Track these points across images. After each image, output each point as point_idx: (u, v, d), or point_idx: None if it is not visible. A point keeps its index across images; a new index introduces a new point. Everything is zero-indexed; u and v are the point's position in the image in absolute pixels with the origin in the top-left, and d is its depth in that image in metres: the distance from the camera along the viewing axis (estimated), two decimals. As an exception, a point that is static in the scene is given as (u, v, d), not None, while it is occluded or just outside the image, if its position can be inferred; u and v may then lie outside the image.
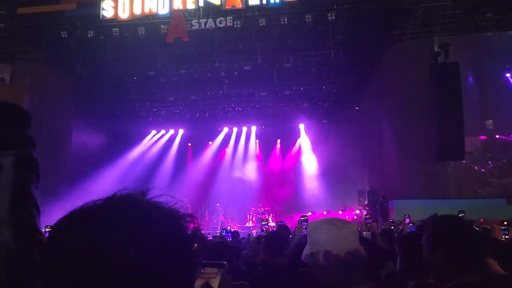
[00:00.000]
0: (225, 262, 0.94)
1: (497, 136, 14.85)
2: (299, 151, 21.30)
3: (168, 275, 0.63)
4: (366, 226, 4.82)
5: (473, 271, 1.65)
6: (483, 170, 14.85)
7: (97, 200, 0.67)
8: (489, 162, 14.98)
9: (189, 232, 0.68)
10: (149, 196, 0.68)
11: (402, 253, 2.36)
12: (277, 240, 3.06)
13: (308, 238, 1.76)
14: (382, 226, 8.21)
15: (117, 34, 14.06)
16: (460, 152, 13.15)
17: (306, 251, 1.73)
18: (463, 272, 1.65)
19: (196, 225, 0.69)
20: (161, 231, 0.64)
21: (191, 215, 0.69)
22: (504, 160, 14.92)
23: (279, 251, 2.96)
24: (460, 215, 6.34)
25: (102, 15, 13.71)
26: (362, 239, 3.02)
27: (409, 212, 7.50)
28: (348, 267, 1.59)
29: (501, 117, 14.39)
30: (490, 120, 14.67)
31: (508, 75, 14.26)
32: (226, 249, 2.60)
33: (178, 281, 0.65)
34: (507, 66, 14.20)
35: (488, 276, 1.64)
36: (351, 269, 1.59)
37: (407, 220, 6.66)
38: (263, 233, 6.28)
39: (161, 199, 0.68)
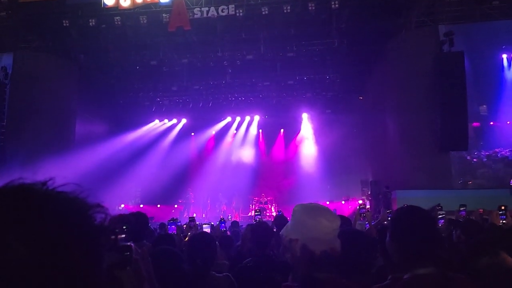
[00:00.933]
0: (130, 244, 0.91)
1: (492, 123, 14.51)
2: (302, 141, 21.26)
3: (69, 272, 0.56)
4: (361, 215, 4.79)
5: (428, 264, 1.62)
6: (475, 159, 14.57)
7: None
8: (482, 151, 14.66)
9: (95, 223, 0.61)
10: (51, 186, 0.61)
11: (379, 245, 2.34)
12: (263, 231, 3.04)
13: (290, 221, 1.73)
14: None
15: (119, 22, 13.95)
16: (464, 142, 13.04)
17: (286, 233, 1.70)
18: (417, 264, 1.63)
19: (105, 216, 0.63)
20: (60, 224, 0.57)
21: (99, 205, 0.63)
22: (497, 149, 14.60)
23: (264, 241, 2.94)
24: (461, 208, 6.29)
25: (104, 3, 13.58)
26: (353, 231, 3.00)
27: (412, 203, 7.37)
28: (318, 263, 1.59)
29: (496, 103, 13.95)
30: (484, 106, 14.27)
31: (504, 55, 13.83)
32: (208, 240, 2.57)
33: (82, 277, 0.58)
34: (503, 47, 13.78)
35: (445, 269, 1.62)
36: (321, 264, 1.60)
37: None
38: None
39: (67, 189, 0.61)
